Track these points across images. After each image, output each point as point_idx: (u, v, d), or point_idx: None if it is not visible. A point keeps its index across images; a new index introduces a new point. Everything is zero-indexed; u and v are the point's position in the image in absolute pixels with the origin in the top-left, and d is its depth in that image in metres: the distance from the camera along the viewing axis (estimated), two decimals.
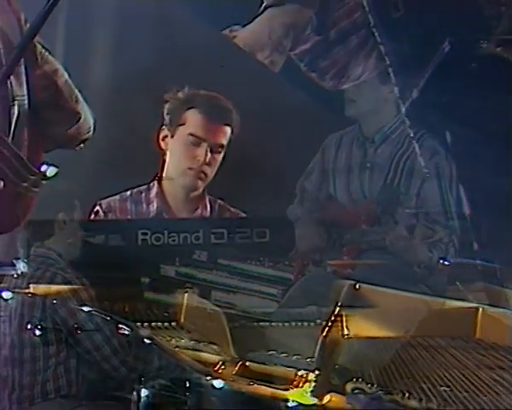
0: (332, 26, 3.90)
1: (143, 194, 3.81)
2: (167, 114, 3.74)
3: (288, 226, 3.56)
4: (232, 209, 3.81)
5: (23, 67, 3.46)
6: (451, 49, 3.56)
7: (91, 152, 3.82)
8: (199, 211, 3.79)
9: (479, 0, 3.12)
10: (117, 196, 3.82)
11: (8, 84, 3.42)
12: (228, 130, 3.74)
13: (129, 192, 3.83)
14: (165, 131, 3.76)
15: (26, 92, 3.49)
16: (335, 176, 4.02)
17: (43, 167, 3.49)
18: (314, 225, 3.91)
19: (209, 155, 3.72)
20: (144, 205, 3.81)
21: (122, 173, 3.94)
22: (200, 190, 3.80)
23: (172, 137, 3.77)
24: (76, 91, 3.57)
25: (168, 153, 3.78)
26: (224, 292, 3.43)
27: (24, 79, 3.49)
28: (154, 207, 3.80)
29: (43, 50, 3.52)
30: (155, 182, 3.81)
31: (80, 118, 3.58)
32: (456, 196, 3.79)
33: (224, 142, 3.74)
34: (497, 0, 3.13)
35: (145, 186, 3.82)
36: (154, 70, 3.97)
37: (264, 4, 3.98)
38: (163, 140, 3.77)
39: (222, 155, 3.78)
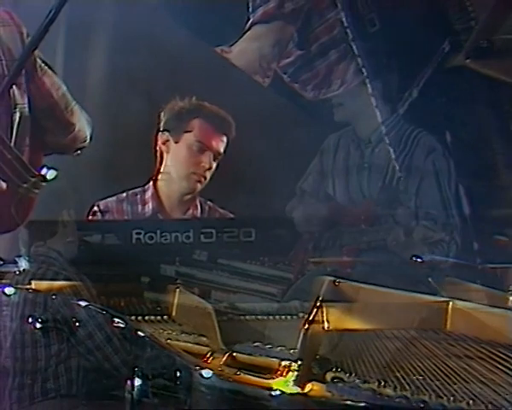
0: (313, 41, 3.95)
1: (139, 195, 3.84)
2: (172, 119, 3.75)
3: (272, 226, 3.54)
4: (221, 210, 3.84)
5: (24, 78, 3.49)
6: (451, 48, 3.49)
7: (89, 156, 3.87)
8: (190, 211, 3.82)
9: (450, 16, 3.12)
10: (114, 198, 3.85)
11: (11, 93, 3.45)
12: (225, 139, 3.77)
13: (125, 194, 3.85)
14: (165, 137, 3.78)
15: (26, 101, 3.52)
16: (334, 177, 3.93)
17: (44, 170, 3.52)
18: (313, 225, 3.83)
19: (211, 160, 3.77)
20: (140, 206, 3.84)
21: (118, 176, 3.99)
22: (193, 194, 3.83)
23: (176, 142, 3.79)
24: (72, 103, 3.61)
25: (169, 156, 3.81)
26: (224, 292, 3.33)
27: (25, 88, 3.51)
28: (149, 207, 3.83)
29: (43, 64, 3.56)
30: (150, 184, 3.83)
31: (75, 129, 3.62)
32: (455, 194, 3.68)
33: (222, 151, 3.80)
34: (468, 16, 3.13)
35: (140, 188, 3.85)
36: (149, 80, 4.02)
37: (250, 21, 4.01)
38: (164, 144, 3.79)
39: (217, 162, 3.84)
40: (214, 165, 3.81)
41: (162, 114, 3.81)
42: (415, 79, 3.67)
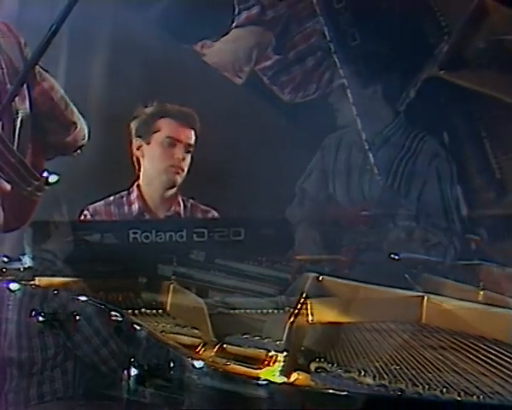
0: (291, 48, 3.97)
1: (125, 198, 3.87)
2: (141, 126, 3.78)
3: (261, 226, 3.52)
4: (202, 207, 3.86)
5: (25, 85, 3.49)
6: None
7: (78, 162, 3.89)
8: (173, 208, 3.83)
9: (425, 30, 3.12)
10: (102, 202, 3.86)
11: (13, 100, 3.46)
12: (193, 133, 3.79)
13: (112, 197, 3.87)
14: (138, 143, 3.80)
15: (28, 106, 3.52)
16: (335, 177, 3.75)
17: (46, 174, 3.52)
18: (313, 225, 3.66)
19: (184, 152, 3.79)
20: (126, 207, 3.85)
21: (105, 181, 4.02)
22: (176, 188, 3.83)
23: (148, 144, 3.82)
24: (71, 104, 3.62)
25: (145, 159, 3.83)
26: (222, 292, 3.26)
27: (26, 94, 3.52)
28: (135, 208, 3.85)
29: (41, 70, 3.56)
30: (135, 187, 3.85)
31: (76, 127, 3.63)
32: (455, 198, 3.53)
33: (192, 142, 3.81)
34: (441, 30, 3.12)
35: (126, 191, 3.87)
36: (125, 84, 4.04)
37: (234, 24, 4.03)
38: (138, 149, 3.81)
39: (190, 154, 3.83)
40: (189, 157, 3.82)
41: (132, 123, 3.82)
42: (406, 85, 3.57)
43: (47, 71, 3.59)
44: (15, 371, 3.34)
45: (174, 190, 3.85)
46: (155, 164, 3.81)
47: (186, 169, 3.82)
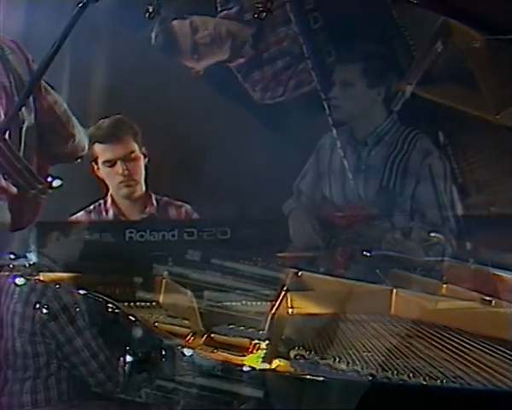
0: (265, 49, 3.94)
1: (102, 205, 3.84)
2: (89, 151, 3.72)
3: (246, 226, 3.51)
4: (176, 202, 3.81)
5: (31, 98, 3.50)
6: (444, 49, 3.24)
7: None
8: (148, 209, 3.80)
9: (394, 47, 3.10)
10: (83, 211, 3.84)
11: (20, 111, 3.46)
12: (129, 139, 3.70)
13: (92, 206, 3.85)
14: (95, 166, 3.78)
15: (33, 117, 3.53)
16: (331, 177, 3.48)
17: (50, 179, 3.53)
18: (309, 224, 3.39)
19: (125, 167, 3.71)
20: (104, 214, 3.83)
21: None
22: (141, 191, 3.77)
23: (98, 168, 3.80)
24: (73, 118, 3.62)
25: (104, 178, 3.80)
26: (217, 292, 3.16)
27: (32, 106, 3.52)
28: (110, 214, 3.82)
29: (47, 85, 3.57)
30: (108, 195, 3.83)
31: (75, 140, 3.63)
32: (450, 197, 3.28)
33: (132, 149, 3.71)
34: (410, 47, 3.10)
35: (102, 200, 3.84)
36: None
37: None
38: (98, 172, 3.79)
39: (141, 157, 3.74)
40: (137, 162, 3.70)
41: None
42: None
43: (52, 87, 3.60)
44: (11, 376, 3.21)
45: (142, 190, 3.78)
46: (109, 183, 3.77)
47: (140, 176, 3.72)
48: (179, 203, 3.83)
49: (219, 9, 3.95)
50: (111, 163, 3.71)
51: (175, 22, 3.94)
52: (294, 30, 3.74)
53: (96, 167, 3.78)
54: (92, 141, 3.72)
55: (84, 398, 3.19)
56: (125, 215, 3.81)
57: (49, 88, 3.57)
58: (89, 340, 3.13)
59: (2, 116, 3.48)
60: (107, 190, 3.82)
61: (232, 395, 2.64)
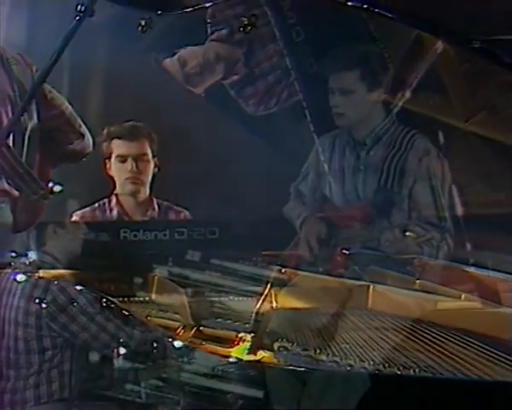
0: (255, 65, 3.97)
1: (106, 204, 3.88)
2: (104, 148, 3.80)
3: (233, 226, 3.52)
4: (176, 208, 3.86)
5: (34, 105, 3.51)
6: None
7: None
8: (149, 212, 3.84)
9: (371, 63, 3.08)
10: (88, 208, 3.87)
11: (23, 118, 3.47)
12: (145, 142, 3.77)
13: (97, 204, 3.88)
14: (107, 164, 3.83)
15: (36, 121, 3.54)
16: (330, 177, 3.29)
17: (51, 184, 3.54)
18: (320, 232, 3.22)
19: (135, 165, 3.77)
20: (108, 213, 3.86)
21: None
22: (145, 193, 3.82)
23: (110, 163, 3.84)
24: (78, 118, 3.65)
25: (113, 175, 3.84)
26: (217, 292, 3.09)
27: (34, 112, 3.54)
28: (114, 213, 3.85)
29: (51, 89, 3.58)
30: (113, 195, 3.87)
31: (84, 138, 3.66)
32: (448, 197, 3.11)
33: (145, 151, 3.78)
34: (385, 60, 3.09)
35: (107, 199, 3.88)
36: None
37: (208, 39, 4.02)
38: (108, 170, 3.84)
39: (150, 159, 3.79)
40: (147, 165, 3.76)
41: (101, 146, 3.84)
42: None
43: (59, 92, 3.62)
44: (14, 372, 3.12)
45: (146, 194, 3.84)
46: (117, 180, 3.83)
47: (146, 177, 3.79)
48: (179, 209, 3.88)
49: (210, 31, 3.98)
50: (123, 159, 3.78)
51: (165, 61, 3.98)
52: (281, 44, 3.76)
53: (108, 165, 3.82)
54: (111, 137, 3.75)
55: (84, 398, 3.13)
56: (128, 215, 3.84)
57: (54, 91, 3.58)
58: (103, 323, 3.05)
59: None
60: (114, 188, 3.84)
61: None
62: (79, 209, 3.84)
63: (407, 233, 2.95)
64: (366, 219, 3.14)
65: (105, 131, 3.79)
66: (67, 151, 3.66)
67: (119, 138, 3.77)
